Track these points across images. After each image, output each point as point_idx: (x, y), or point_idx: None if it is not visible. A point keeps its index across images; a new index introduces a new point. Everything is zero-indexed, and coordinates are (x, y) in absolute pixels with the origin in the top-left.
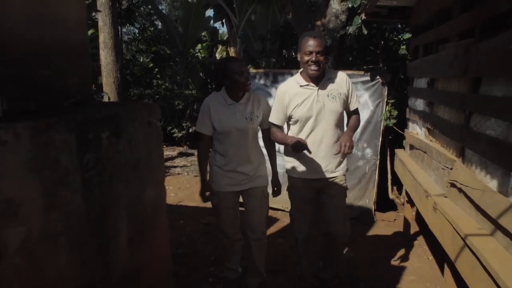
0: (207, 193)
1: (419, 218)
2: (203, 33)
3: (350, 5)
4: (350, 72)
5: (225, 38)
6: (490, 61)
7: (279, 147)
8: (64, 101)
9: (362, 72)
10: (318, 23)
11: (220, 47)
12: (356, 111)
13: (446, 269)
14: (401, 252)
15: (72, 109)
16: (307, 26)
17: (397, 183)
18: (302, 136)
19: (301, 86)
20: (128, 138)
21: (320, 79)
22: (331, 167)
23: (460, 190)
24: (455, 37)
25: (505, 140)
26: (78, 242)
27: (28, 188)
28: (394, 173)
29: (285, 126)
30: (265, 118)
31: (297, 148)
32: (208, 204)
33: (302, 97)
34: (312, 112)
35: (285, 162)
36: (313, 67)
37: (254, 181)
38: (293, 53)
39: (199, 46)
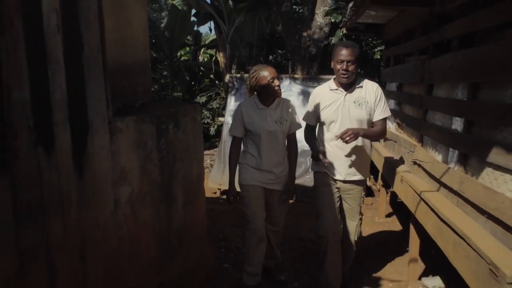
0: (232, 198)
1: (392, 201)
2: (187, 37)
3: (332, 20)
4: (331, 76)
5: (207, 42)
6: (437, 72)
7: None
8: (135, 102)
9: None
10: (305, 34)
11: (202, 50)
12: (380, 123)
13: (411, 227)
14: (378, 226)
15: (144, 108)
16: (294, 36)
17: (374, 174)
18: (326, 137)
19: (331, 89)
20: (183, 129)
21: (350, 86)
22: (352, 171)
23: (419, 165)
24: (416, 52)
25: (446, 127)
26: (156, 201)
27: (132, 161)
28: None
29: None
30: (293, 123)
31: (316, 158)
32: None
33: (330, 100)
34: (337, 116)
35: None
36: (344, 75)
37: (280, 183)
38: (279, 59)
39: (185, 49)
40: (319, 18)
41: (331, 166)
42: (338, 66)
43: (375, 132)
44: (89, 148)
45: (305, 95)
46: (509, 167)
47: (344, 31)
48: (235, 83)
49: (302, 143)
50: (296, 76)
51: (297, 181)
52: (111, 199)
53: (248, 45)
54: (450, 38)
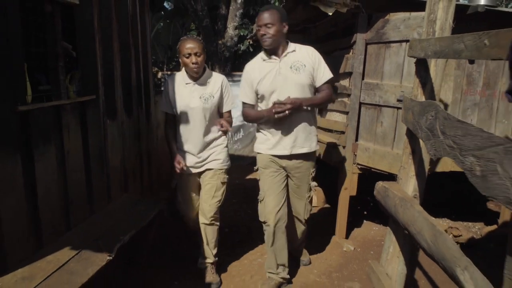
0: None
1: None
2: None
3: (241, 33)
4: (241, 72)
5: None
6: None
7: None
8: None
9: None
10: (220, 42)
11: None
12: (324, 87)
13: None
14: None
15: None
16: (212, 44)
17: None
18: None
19: (264, 60)
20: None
21: (283, 52)
22: (299, 143)
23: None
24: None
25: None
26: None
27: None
28: None
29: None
30: (225, 101)
31: (280, 109)
32: None
33: (265, 71)
34: (275, 85)
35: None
36: (264, 41)
37: (208, 164)
38: None
39: None
40: (230, 31)
41: (274, 141)
42: (260, 32)
43: (320, 98)
44: (150, 111)
45: None
46: None
47: (250, 42)
48: (167, 79)
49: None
50: None
51: (246, 150)
52: (155, 136)
53: (164, 47)
54: None
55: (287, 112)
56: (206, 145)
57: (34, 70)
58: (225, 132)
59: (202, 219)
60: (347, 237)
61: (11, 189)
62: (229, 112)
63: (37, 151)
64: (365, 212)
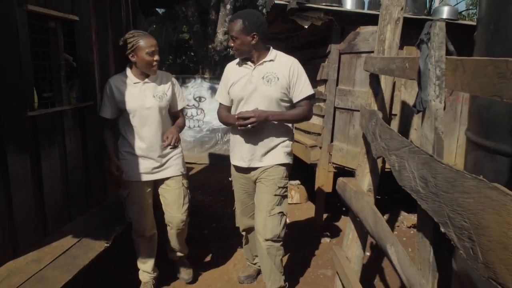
0: (117, 173)
1: None
2: None
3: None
4: None
5: None
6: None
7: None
8: None
9: None
10: (210, 46)
11: None
12: (303, 103)
13: None
14: None
15: None
16: (203, 48)
17: None
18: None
19: (241, 63)
20: None
21: (259, 59)
22: (257, 157)
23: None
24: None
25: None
26: None
27: None
28: None
29: None
30: (176, 98)
31: (243, 121)
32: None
33: (239, 76)
34: (244, 93)
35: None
36: (233, 51)
37: (169, 168)
38: (186, 62)
39: None
40: (220, 36)
41: (236, 151)
42: (229, 42)
43: (290, 115)
44: None
45: (213, 89)
46: None
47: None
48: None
49: (212, 123)
50: (205, 76)
51: (210, 151)
52: None
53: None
54: None
55: (249, 126)
56: (163, 148)
57: (38, 79)
58: (174, 147)
59: (172, 228)
60: (324, 230)
61: (22, 185)
62: (182, 111)
63: (44, 151)
64: (343, 209)
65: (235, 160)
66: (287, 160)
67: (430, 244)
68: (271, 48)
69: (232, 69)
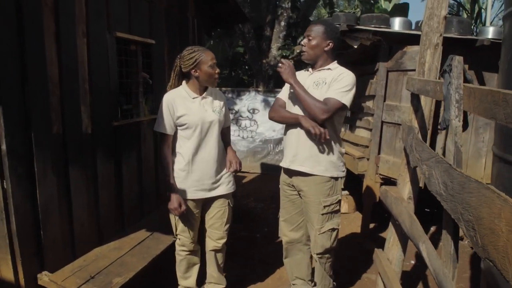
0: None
1: None
2: None
3: (284, 54)
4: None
5: None
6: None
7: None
8: None
9: None
10: (264, 61)
11: None
12: (326, 100)
13: None
14: None
15: None
16: (257, 63)
17: None
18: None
19: (306, 69)
20: None
21: (320, 66)
22: (299, 160)
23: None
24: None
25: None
26: None
27: None
28: None
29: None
30: (226, 114)
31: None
32: None
33: (301, 80)
34: (294, 95)
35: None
36: (302, 51)
37: (220, 188)
38: (241, 75)
39: None
40: (274, 51)
41: (285, 152)
42: (302, 42)
43: (305, 95)
44: None
45: (266, 102)
46: None
47: (292, 62)
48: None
49: (265, 134)
50: (259, 89)
51: (262, 161)
52: None
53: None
54: None
55: (281, 68)
56: (218, 165)
57: (120, 94)
58: (234, 171)
59: (211, 246)
60: (370, 239)
61: (107, 184)
62: (229, 127)
63: (124, 156)
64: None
65: (282, 162)
66: (333, 172)
67: (452, 239)
68: (336, 61)
69: (299, 73)
